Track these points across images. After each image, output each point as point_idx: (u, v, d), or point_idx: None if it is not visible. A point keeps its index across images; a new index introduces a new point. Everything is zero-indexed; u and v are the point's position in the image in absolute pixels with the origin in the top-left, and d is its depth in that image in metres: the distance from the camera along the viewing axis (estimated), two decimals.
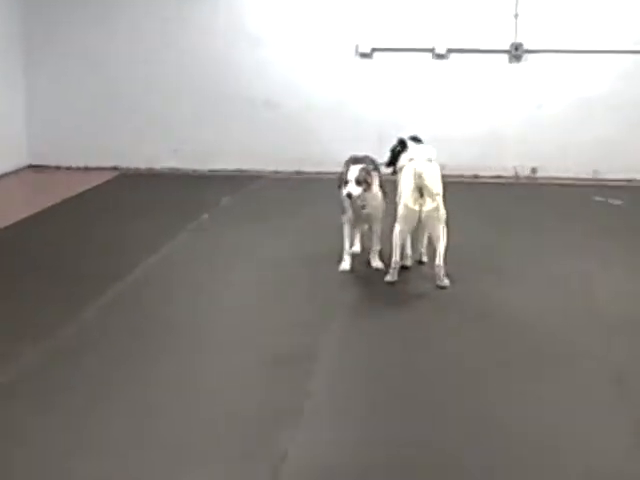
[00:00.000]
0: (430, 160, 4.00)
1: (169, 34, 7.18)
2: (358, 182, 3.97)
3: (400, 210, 3.86)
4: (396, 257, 3.86)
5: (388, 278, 3.89)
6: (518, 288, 4.09)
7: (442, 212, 3.81)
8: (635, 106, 6.85)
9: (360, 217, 4.14)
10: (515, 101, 6.82)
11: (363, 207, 4.05)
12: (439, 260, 3.81)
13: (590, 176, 6.82)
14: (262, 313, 3.87)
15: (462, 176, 6.70)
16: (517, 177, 6.95)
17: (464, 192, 6.05)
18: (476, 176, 6.90)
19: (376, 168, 4.20)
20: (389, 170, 4.30)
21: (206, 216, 5.56)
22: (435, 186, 3.81)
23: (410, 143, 4.21)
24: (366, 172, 4.01)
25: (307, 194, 6.42)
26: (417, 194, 3.76)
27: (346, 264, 4.18)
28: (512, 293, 4.00)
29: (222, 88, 7.05)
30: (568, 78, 6.84)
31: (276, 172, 6.93)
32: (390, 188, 4.24)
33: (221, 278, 4.24)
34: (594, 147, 6.79)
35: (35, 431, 2.48)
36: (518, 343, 3.39)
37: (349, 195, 3.96)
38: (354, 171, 3.98)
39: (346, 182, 3.99)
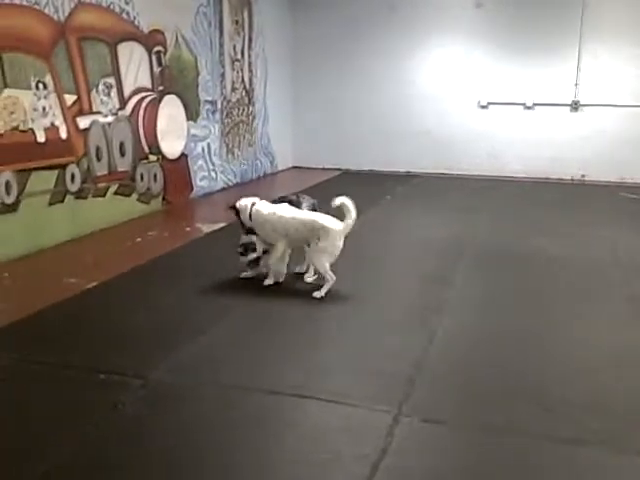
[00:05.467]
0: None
1: (395, 94, 9.23)
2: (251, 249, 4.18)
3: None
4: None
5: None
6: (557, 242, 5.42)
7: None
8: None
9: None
10: (573, 136, 9.00)
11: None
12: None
13: (617, 180, 8.91)
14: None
15: (538, 178, 9.07)
16: (572, 180, 9.15)
17: (540, 188, 8.39)
18: (547, 178, 9.20)
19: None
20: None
21: (388, 197, 7.36)
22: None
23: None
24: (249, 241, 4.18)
25: (450, 185, 8.54)
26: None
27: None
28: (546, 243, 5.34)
29: (403, 123, 9.49)
30: (606, 122, 8.87)
31: (428, 173, 9.48)
32: None
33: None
34: (617, 163, 8.85)
35: None
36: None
37: (248, 262, 4.21)
38: (244, 239, 4.19)
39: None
